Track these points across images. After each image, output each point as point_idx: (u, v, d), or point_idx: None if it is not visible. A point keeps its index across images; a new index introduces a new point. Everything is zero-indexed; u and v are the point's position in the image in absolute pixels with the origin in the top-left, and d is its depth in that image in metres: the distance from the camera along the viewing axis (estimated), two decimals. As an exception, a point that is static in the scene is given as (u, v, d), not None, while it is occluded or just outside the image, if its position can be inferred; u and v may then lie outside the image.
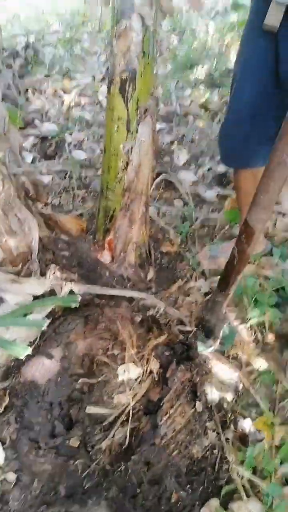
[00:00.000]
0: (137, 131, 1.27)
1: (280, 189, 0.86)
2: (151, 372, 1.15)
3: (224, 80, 2.98)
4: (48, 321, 1.00)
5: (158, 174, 2.13)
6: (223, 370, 1.23)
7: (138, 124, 1.25)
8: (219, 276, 1.14)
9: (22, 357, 0.92)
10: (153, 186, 1.99)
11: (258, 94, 1.26)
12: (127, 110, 1.21)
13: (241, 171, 1.49)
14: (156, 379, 1.15)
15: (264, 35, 1.15)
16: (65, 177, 2.20)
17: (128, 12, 1.08)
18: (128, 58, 1.13)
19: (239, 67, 1.30)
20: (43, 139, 2.50)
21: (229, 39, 3.34)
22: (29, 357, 1.10)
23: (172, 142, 2.46)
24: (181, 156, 2.31)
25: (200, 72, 3.09)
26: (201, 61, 3.27)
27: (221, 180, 2.19)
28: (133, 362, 1.14)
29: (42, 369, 1.11)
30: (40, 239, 1.21)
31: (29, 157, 2.35)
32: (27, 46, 3.51)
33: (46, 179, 2.17)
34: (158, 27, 1.17)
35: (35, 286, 1.06)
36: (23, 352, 0.91)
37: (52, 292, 1.11)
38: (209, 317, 1.23)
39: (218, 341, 1.24)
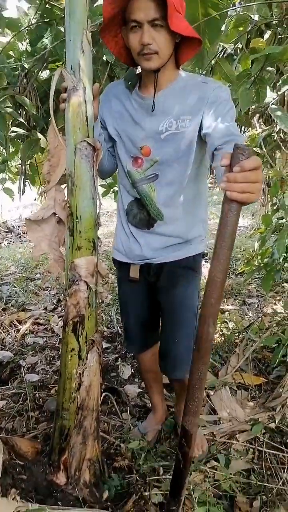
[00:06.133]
0: (87, 358, 1.61)
1: (201, 399, 1.18)
2: None
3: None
4: None
5: (106, 389, 2.37)
6: None
7: (87, 353, 1.61)
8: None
9: None
10: (101, 401, 2.21)
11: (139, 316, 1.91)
12: (79, 343, 1.58)
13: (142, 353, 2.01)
14: None
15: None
16: (19, 400, 2.35)
17: (76, 280, 1.59)
18: (78, 309, 1.58)
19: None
20: (-2, 365, 2.74)
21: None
22: None
23: (116, 359, 2.82)
24: (126, 371, 2.63)
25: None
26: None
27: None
28: None
29: None
30: (2, 463, 1.32)
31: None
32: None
33: (0, 404, 2.31)
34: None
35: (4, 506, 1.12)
36: None
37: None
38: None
39: None
